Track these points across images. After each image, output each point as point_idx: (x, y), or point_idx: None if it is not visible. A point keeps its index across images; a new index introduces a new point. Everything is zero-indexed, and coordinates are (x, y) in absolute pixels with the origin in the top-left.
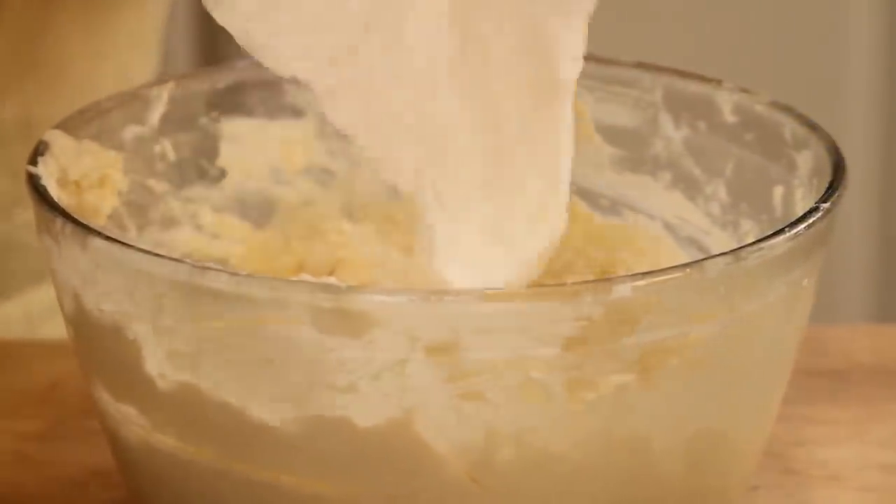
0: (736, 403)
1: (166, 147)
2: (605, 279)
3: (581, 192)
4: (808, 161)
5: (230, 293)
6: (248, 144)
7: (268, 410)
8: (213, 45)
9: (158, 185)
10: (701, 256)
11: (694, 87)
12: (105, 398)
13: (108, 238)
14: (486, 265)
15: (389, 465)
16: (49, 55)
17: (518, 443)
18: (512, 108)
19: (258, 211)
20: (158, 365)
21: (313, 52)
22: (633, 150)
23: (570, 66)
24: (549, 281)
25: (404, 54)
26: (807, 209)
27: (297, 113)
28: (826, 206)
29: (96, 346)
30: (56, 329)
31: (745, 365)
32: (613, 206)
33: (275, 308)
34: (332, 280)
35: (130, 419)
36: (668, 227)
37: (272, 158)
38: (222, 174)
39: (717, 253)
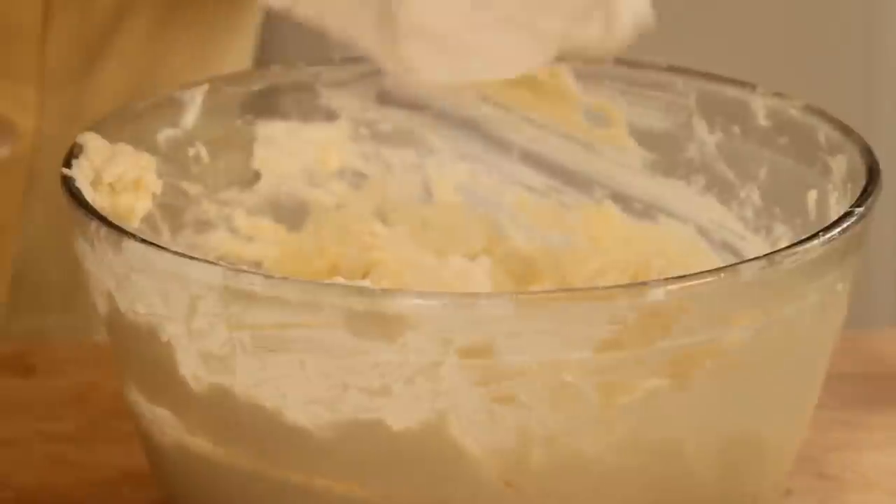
0: (770, 408)
1: (200, 150)
2: (639, 283)
3: (614, 195)
4: (842, 165)
5: (264, 296)
6: (281, 147)
7: (301, 413)
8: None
9: (192, 188)
10: (735, 261)
11: (728, 92)
12: (139, 400)
13: (142, 240)
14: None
15: (422, 468)
16: (164, 86)
17: (551, 446)
18: None
19: (292, 214)
20: (192, 367)
21: None
22: (666, 153)
23: None
24: (582, 285)
25: None
26: (841, 213)
27: (330, 116)
28: (860, 210)
29: (130, 348)
30: None
31: (778, 369)
32: (647, 210)
33: (308, 311)
34: (365, 283)
35: (164, 421)
36: (702, 231)
37: (306, 161)
38: (256, 177)
39: (751, 257)
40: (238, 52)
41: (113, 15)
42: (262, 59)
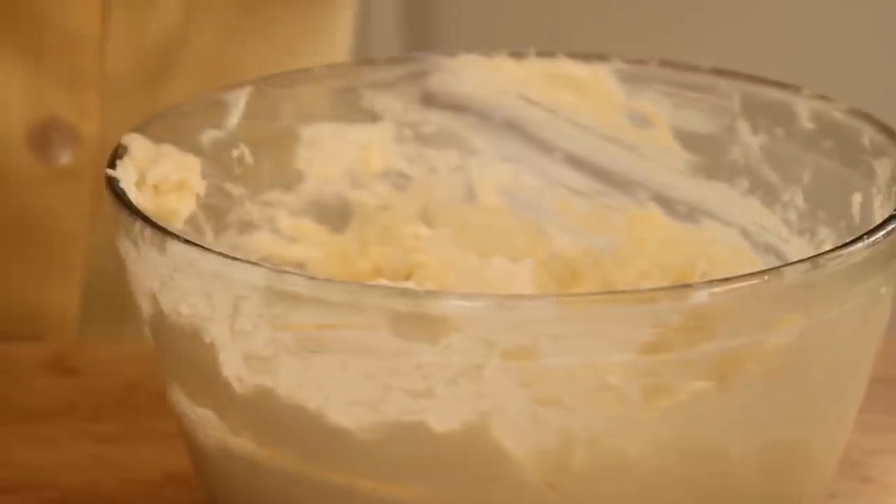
0: (813, 411)
1: (244, 151)
2: (683, 285)
3: (658, 198)
4: (887, 168)
5: (307, 297)
6: (325, 148)
7: (344, 414)
8: (422, 27)
9: (236, 189)
10: (778, 263)
11: (771, 94)
12: (182, 401)
13: (185, 241)
14: None
15: (465, 470)
16: (250, 57)
17: (594, 448)
18: None
19: (335, 215)
20: (235, 368)
21: None
22: (710, 156)
23: None
24: (625, 287)
25: None
26: (885, 216)
27: (374, 117)
28: None
29: (174, 348)
30: None
31: (822, 373)
32: (690, 213)
33: (352, 312)
34: (409, 284)
35: (207, 422)
36: (745, 233)
37: (349, 162)
38: (300, 178)
39: (795, 260)
40: (321, 56)
41: (176, 24)
42: (435, 38)
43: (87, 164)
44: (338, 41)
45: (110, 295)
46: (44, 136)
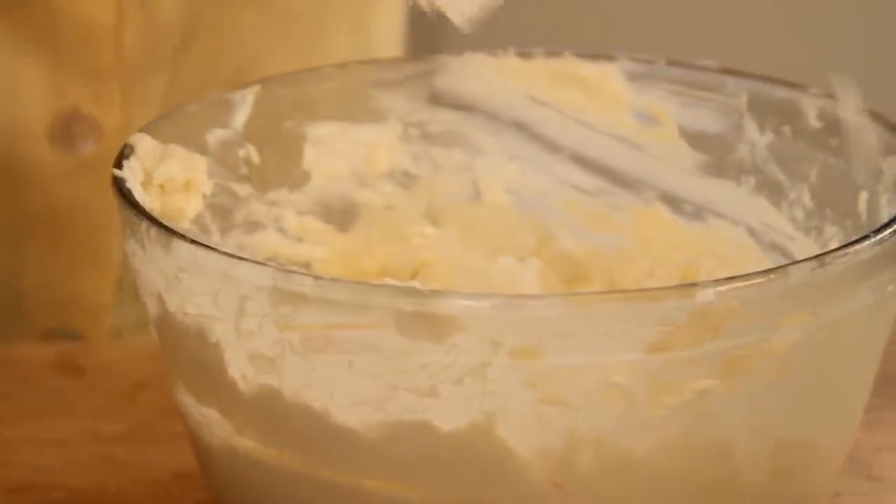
0: (820, 410)
1: (250, 151)
2: (689, 284)
3: (664, 196)
4: (894, 166)
5: (313, 297)
6: (331, 148)
7: (350, 414)
8: (429, 27)
9: (242, 189)
10: (785, 262)
11: (779, 93)
12: (188, 401)
13: (192, 241)
14: None
15: (471, 469)
16: (269, 44)
17: (600, 447)
18: None
19: (341, 214)
20: (241, 368)
21: None
22: (717, 155)
23: None
24: (632, 286)
25: None
26: (892, 215)
27: (380, 117)
28: None
29: (179, 348)
30: None
31: (829, 371)
32: (697, 212)
33: (358, 312)
34: (414, 284)
35: (213, 422)
36: (752, 232)
37: (356, 162)
38: (306, 178)
39: (802, 258)
40: (350, 47)
41: (191, 8)
42: (441, 39)
43: (110, 153)
44: (372, 38)
45: None
46: (66, 129)
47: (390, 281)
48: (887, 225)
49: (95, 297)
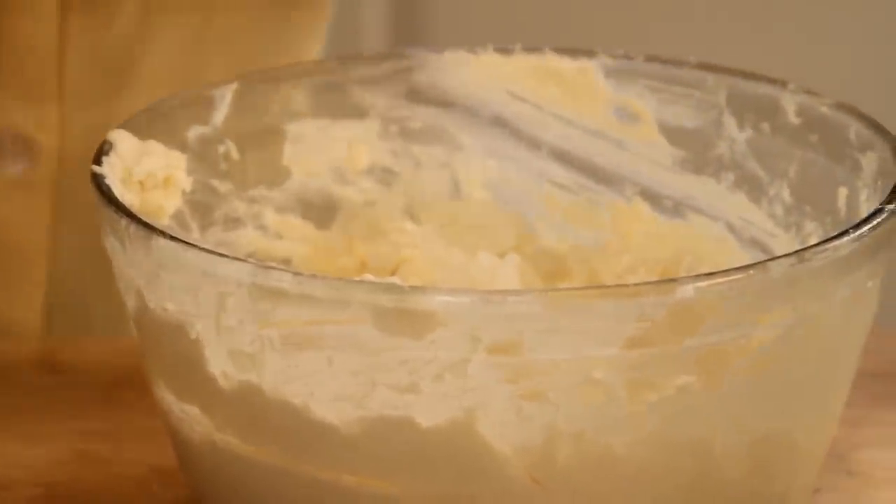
0: (799, 406)
1: (230, 147)
2: (668, 280)
3: (644, 192)
4: (873, 162)
5: (293, 293)
6: (311, 144)
7: (329, 410)
8: (410, 23)
9: (222, 185)
10: (764, 258)
11: (758, 88)
12: (168, 397)
13: (171, 237)
14: None
15: (451, 465)
16: (211, 68)
17: (579, 443)
18: None
19: (321, 211)
20: (221, 364)
21: None
22: (696, 151)
23: None
24: (612, 282)
25: None
26: (871, 210)
27: (360, 113)
28: (891, 207)
29: (159, 345)
30: None
31: (808, 367)
32: (676, 208)
33: (337, 308)
34: (394, 280)
35: (193, 418)
36: (732, 228)
37: (335, 159)
38: (286, 174)
39: (781, 254)
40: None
41: (135, 34)
42: (423, 33)
43: (46, 175)
44: (304, 53)
45: (74, 306)
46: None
47: (370, 277)
48: (866, 221)
49: (24, 319)
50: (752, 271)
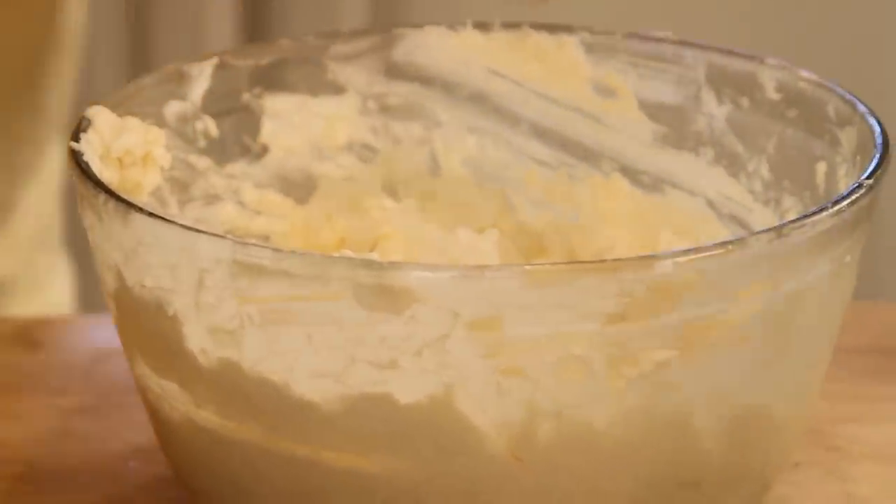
0: (778, 380)
1: (209, 124)
2: (647, 255)
3: (623, 168)
4: (852, 138)
5: (272, 269)
6: (290, 121)
7: (309, 387)
8: (256, 23)
9: (201, 162)
10: (743, 233)
11: (737, 64)
12: (147, 374)
13: (150, 214)
14: None
15: (430, 442)
16: None
17: (559, 419)
18: None
19: (300, 187)
20: (200, 341)
21: None
22: (675, 126)
23: None
24: (591, 258)
25: None
26: (850, 186)
27: (339, 90)
28: (869, 182)
29: (138, 322)
30: None
31: (787, 342)
32: (655, 183)
33: (316, 284)
34: (373, 256)
35: (172, 395)
36: (711, 203)
37: (314, 135)
38: (264, 150)
39: (760, 230)
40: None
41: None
42: (270, 32)
43: None
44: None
45: None
46: None
47: (349, 253)
48: (845, 196)
49: None
50: (731, 247)
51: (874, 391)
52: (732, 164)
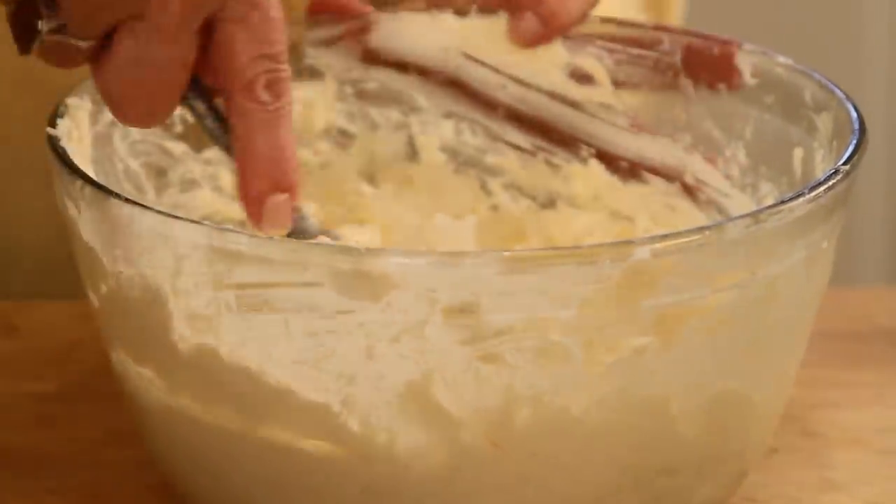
0: (755, 366)
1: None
2: (625, 241)
3: (600, 154)
4: (828, 123)
5: (249, 255)
6: None
7: (286, 373)
8: None
9: (177, 147)
10: (720, 219)
11: (714, 49)
12: (124, 360)
13: (127, 200)
14: None
15: (408, 429)
16: None
17: (537, 405)
18: None
19: None
20: (177, 327)
21: None
22: (652, 112)
23: None
24: (568, 243)
25: None
26: (827, 171)
27: (316, 75)
28: (846, 168)
29: (115, 308)
30: None
31: (764, 327)
32: (633, 169)
33: (293, 270)
34: (350, 242)
35: (149, 381)
36: (688, 189)
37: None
38: None
39: (737, 215)
40: None
41: None
42: None
43: None
44: None
45: None
46: None
47: (326, 239)
48: (822, 182)
49: None
50: (708, 232)
51: (851, 377)
52: (709, 150)
